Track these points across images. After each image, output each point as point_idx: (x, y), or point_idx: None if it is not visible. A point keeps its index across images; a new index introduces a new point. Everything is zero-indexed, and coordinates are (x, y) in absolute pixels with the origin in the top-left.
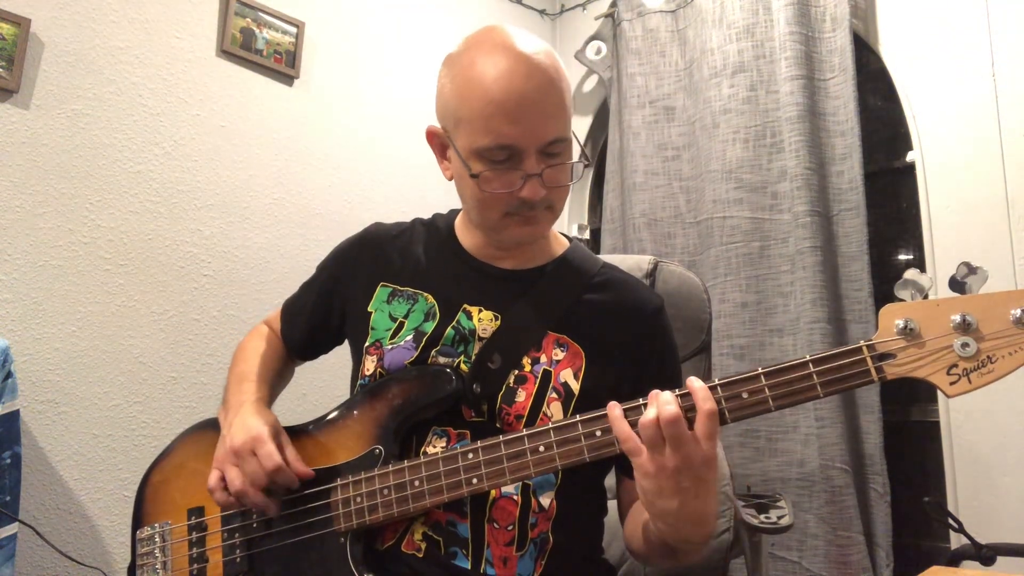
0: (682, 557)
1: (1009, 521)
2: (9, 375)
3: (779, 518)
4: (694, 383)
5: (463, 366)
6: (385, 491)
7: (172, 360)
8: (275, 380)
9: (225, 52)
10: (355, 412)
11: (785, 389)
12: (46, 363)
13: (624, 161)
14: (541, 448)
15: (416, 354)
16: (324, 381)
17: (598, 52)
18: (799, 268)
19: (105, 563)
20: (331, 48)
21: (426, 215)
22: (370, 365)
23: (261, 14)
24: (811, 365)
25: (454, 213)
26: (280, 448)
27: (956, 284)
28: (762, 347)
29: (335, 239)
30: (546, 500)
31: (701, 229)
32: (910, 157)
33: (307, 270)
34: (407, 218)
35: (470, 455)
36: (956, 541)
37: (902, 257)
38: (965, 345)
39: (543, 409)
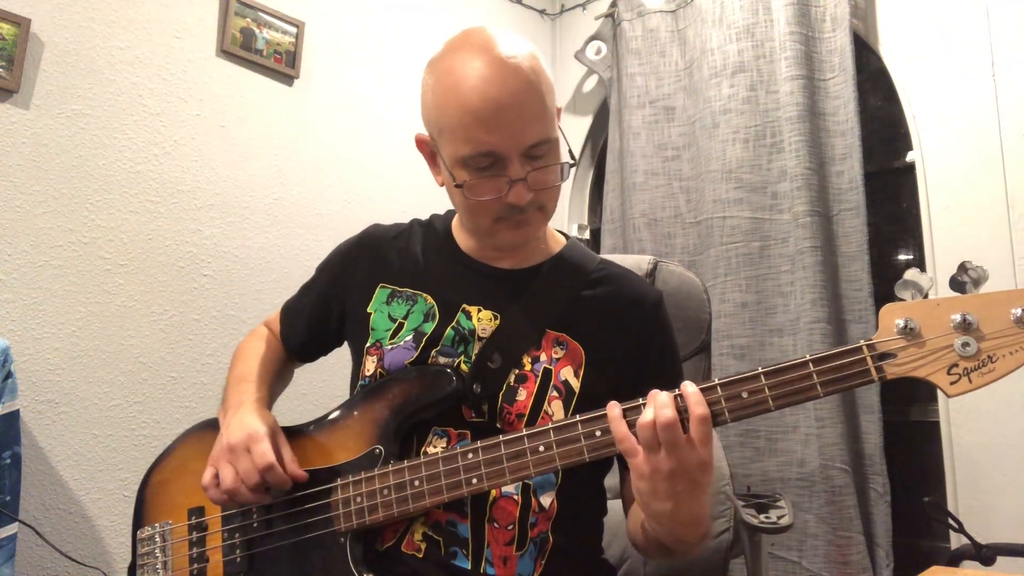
0: (678, 555)
1: (1009, 521)
2: (9, 375)
3: (779, 518)
4: (688, 387)
5: (463, 366)
6: (385, 491)
7: (172, 360)
8: (274, 381)
9: (225, 52)
10: (355, 412)
11: (785, 389)
12: (46, 363)
13: (624, 161)
14: (541, 448)
15: (416, 354)
16: (324, 381)
17: (598, 52)
18: (799, 268)
19: (105, 563)
20: (331, 48)
21: (425, 215)
22: (370, 365)
23: (261, 14)
24: (811, 365)
25: (451, 214)
26: (276, 448)
27: (956, 284)
28: (762, 347)
29: (335, 239)
30: (546, 500)
31: (701, 229)
32: (910, 157)
33: (307, 270)
34: (407, 218)
35: (470, 455)
36: (956, 541)
37: (902, 257)
38: (966, 345)
39: (544, 408)
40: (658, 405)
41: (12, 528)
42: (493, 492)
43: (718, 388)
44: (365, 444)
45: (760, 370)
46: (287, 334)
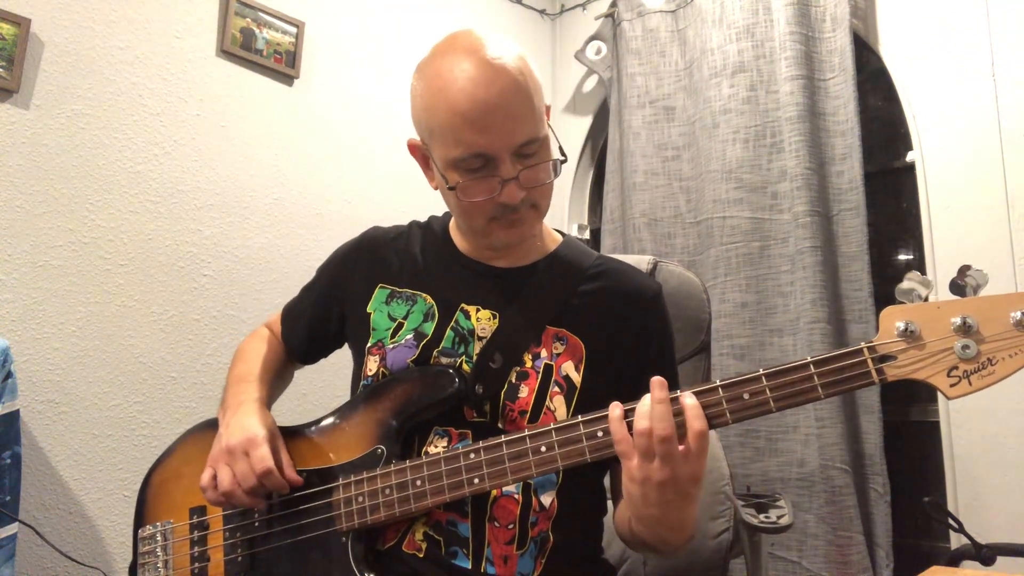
0: (661, 554)
1: (1009, 521)
2: (9, 375)
3: (779, 518)
4: (687, 400)
5: (465, 366)
6: (387, 491)
7: (172, 360)
8: (274, 381)
9: (225, 52)
10: (357, 412)
11: (786, 390)
12: (46, 363)
13: (624, 161)
14: (543, 448)
15: (417, 353)
16: (324, 381)
17: (598, 52)
18: (799, 268)
19: (105, 563)
20: (331, 48)
21: (425, 214)
22: (372, 365)
23: (261, 14)
24: (812, 367)
25: (449, 215)
26: (275, 452)
27: (956, 287)
28: (762, 347)
29: (335, 239)
30: (547, 499)
31: (701, 229)
32: (910, 157)
33: (307, 270)
34: (407, 218)
35: (472, 455)
36: (956, 541)
37: (902, 257)
38: (966, 347)
39: (546, 403)
40: (655, 417)
41: (12, 528)
42: (494, 491)
43: (719, 389)
44: (367, 444)
45: (761, 371)
46: (288, 335)
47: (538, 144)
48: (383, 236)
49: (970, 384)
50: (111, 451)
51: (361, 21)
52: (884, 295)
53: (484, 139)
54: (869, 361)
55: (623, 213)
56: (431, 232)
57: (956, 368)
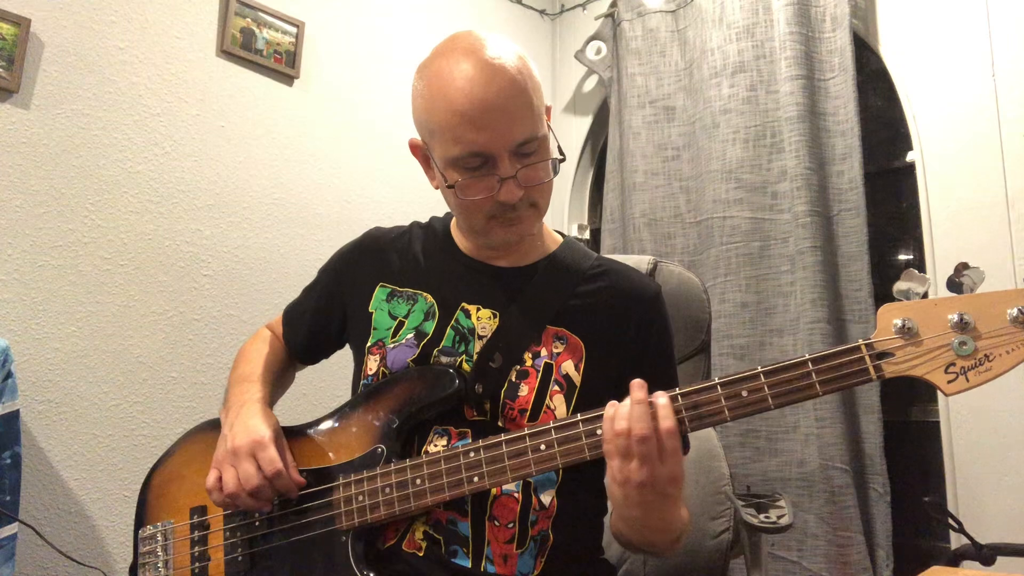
0: (650, 555)
1: (1009, 521)
2: (9, 375)
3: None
4: (659, 400)
5: (465, 365)
6: (387, 489)
7: (172, 360)
8: (276, 382)
9: (225, 52)
10: (358, 412)
11: (784, 388)
12: (46, 363)
13: (624, 161)
14: (542, 446)
15: (417, 352)
16: (324, 381)
17: (598, 52)
18: (799, 268)
19: (105, 563)
20: (331, 48)
21: (425, 216)
22: (373, 364)
23: (261, 14)
24: (810, 364)
25: (450, 215)
26: (280, 453)
27: (954, 284)
28: (762, 347)
29: (335, 239)
30: (547, 498)
31: (701, 229)
32: (910, 157)
33: (307, 270)
34: (407, 218)
35: (471, 454)
36: (956, 541)
37: (902, 257)
38: (963, 344)
39: (546, 402)
40: (634, 418)
41: (12, 528)
42: (494, 490)
43: (718, 387)
44: (367, 443)
45: (759, 369)
46: (289, 336)
47: (537, 143)
48: (384, 236)
49: (967, 380)
50: (111, 451)
51: (361, 21)
52: (884, 295)
53: (482, 138)
54: (867, 358)
55: (623, 213)
56: (432, 232)
57: (953, 365)
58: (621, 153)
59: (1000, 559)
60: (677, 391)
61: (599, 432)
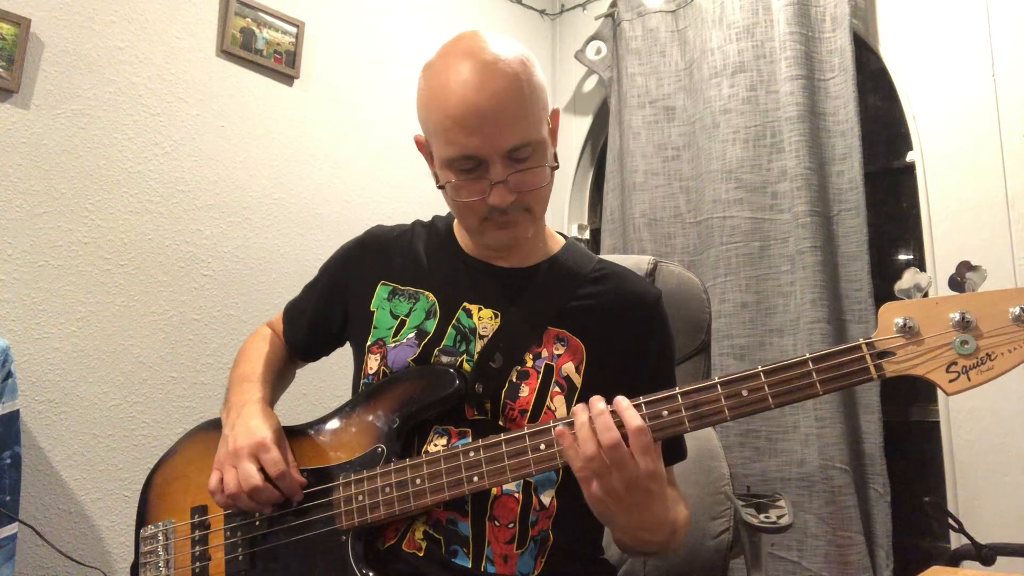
0: (655, 554)
1: (1009, 521)
2: (9, 375)
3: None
4: (621, 402)
5: (466, 365)
6: (387, 489)
7: (172, 360)
8: (277, 381)
9: (225, 52)
10: (358, 411)
11: (785, 387)
12: (46, 363)
13: (624, 161)
14: (542, 446)
15: (418, 352)
16: (324, 381)
17: (598, 52)
18: (799, 268)
19: (105, 563)
20: (331, 48)
21: (426, 215)
22: (373, 364)
23: (261, 14)
24: (811, 363)
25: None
26: (283, 453)
27: (955, 283)
28: (762, 347)
29: (335, 239)
30: (547, 498)
31: (701, 229)
32: (910, 157)
33: (307, 270)
34: (408, 218)
35: (471, 453)
36: (956, 541)
37: (902, 257)
38: (964, 343)
39: (546, 403)
40: (601, 429)
41: (12, 528)
42: (494, 490)
43: (718, 387)
44: (367, 443)
45: (760, 368)
46: (290, 334)
47: (531, 148)
48: (386, 234)
49: (969, 380)
50: (111, 451)
51: (361, 21)
52: (884, 295)
53: (473, 141)
54: (868, 357)
55: (623, 213)
56: (435, 231)
57: (955, 364)
58: (621, 153)
59: (1000, 559)
60: (677, 390)
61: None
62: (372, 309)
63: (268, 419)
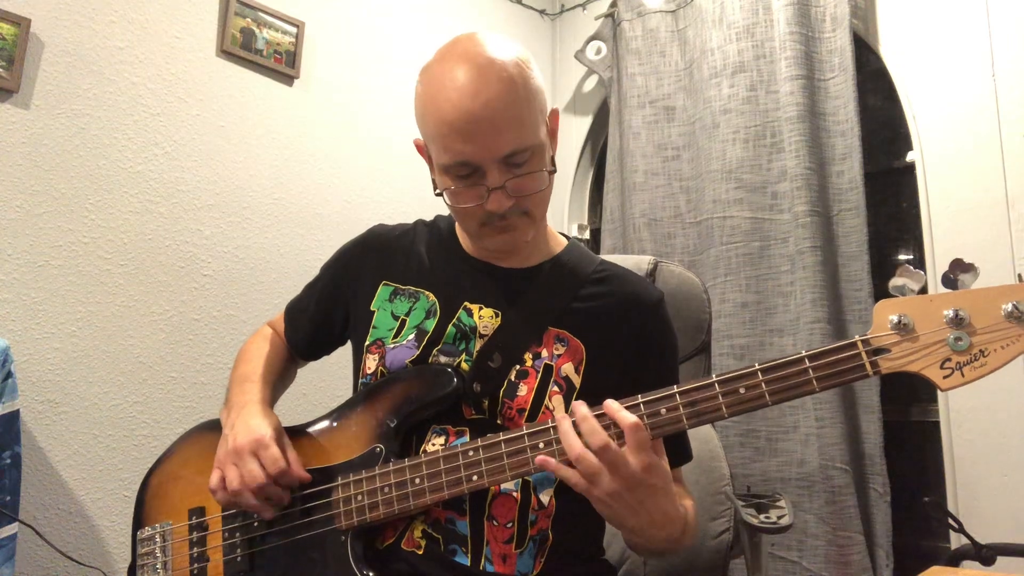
0: (671, 551)
1: (1009, 521)
2: (9, 375)
3: (779, 518)
4: (610, 404)
5: (464, 364)
6: (386, 489)
7: (172, 360)
8: (277, 381)
9: (225, 52)
10: (356, 411)
11: (781, 384)
12: (46, 363)
13: (624, 161)
14: (541, 445)
15: (418, 353)
16: (324, 381)
17: (598, 52)
18: (799, 268)
19: (105, 563)
20: (331, 48)
21: (427, 215)
22: (371, 364)
23: (261, 14)
24: (807, 360)
25: None
26: (283, 451)
27: (949, 281)
28: (762, 347)
29: (335, 239)
30: (545, 497)
31: (701, 229)
32: (910, 157)
33: (307, 270)
34: (407, 218)
35: (470, 452)
36: (956, 541)
37: (902, 257)
38: (958, 339)
39: (545, 403)
40: (586, 433)
41: (12, 528)
42: (492, 489)
43: (715, 385)
44: (366, 443)
45: (757, 366)
46: (291, 333)
47: (528, 153)
48: (388, 233)
49: (963, 376)
50: (111, 451)
51: (361, 21)
52: (884, 295)
53: (469, 148)
54: (863, 354)
55: (623, 213)
56: (437, 231)
57: (949, 360)
58: (621, 153)
59: (1000, 559)
60: (675, 389)
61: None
62: (372, 309)
63: (268, 418)
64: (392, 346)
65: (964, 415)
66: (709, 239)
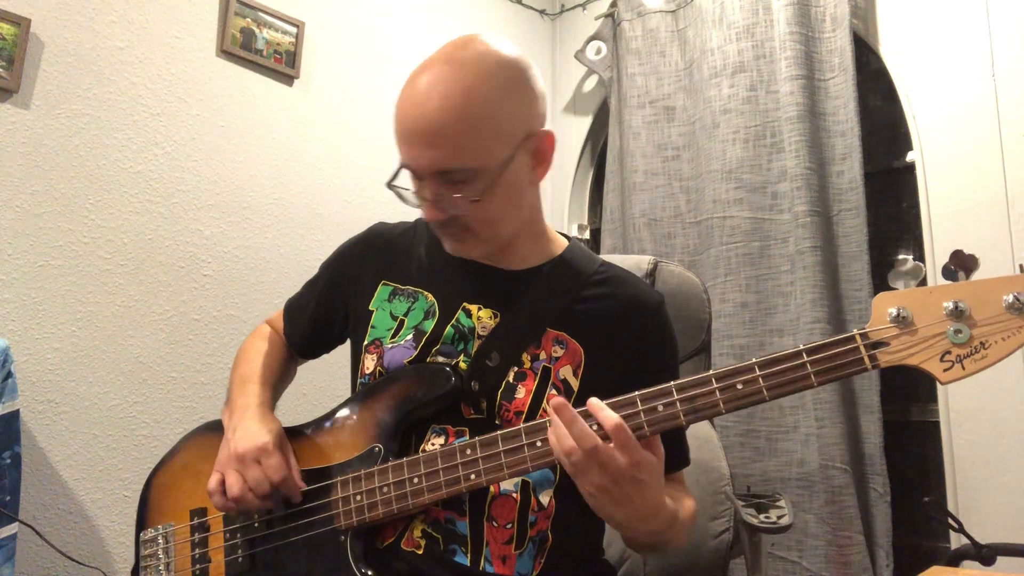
0: (666, 544)
1: (1009, 521)
2: (9, 375)
3: (779, 518)
4: (592, 402)
5: (462, 364)
6: (385, 489)
7: (172, 360)
8: (278, 381)
9: (225, 52)
10: (354, 411)
11: (779, 379)
12: (46, 363)
13: (624, 161)
14: (538, 443)
15: (416, 353)
16: (324, 381)
17: (598, 52)
18: (799, 268)
19: (105, 563)
20: (331, 48)
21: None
22: (370, 363)
23: (261, 14)
24: (805, 355)
25: None
26: (284, 458)
27: (948, 272)
28: (762, 347)
29: (335, 239)
30: (545, 498)
31: (701, 229)
32: (910, 157)
33: (307, 270)
34: (407, 218)
35: (468, 451)
36: (956, 541)
37: (902, 257)
38: (958, 332)
39: (543, 405)
40: (578, 434)
41: (12, 528)
42: (492, 489)
43: (712, 380)
44: (364, 443)
45: (754, 361)
46: (290, 331)
47: (466, 174)
48: (388, 232)
49: (963, 368)
50: (111, 451)
51: (361, 21)
52: None
53: (407, 155)
54: (862, 347)
55: (623, 213)
56: None
57: (949, 353)
58: (621, 153)
59: (1000, 559)
60: (672, 385)
61: (595, 427)
62: (371, 308)
63: (269, 423)
64: (390, 346)
65: (964, 415)
66: (709, 239)
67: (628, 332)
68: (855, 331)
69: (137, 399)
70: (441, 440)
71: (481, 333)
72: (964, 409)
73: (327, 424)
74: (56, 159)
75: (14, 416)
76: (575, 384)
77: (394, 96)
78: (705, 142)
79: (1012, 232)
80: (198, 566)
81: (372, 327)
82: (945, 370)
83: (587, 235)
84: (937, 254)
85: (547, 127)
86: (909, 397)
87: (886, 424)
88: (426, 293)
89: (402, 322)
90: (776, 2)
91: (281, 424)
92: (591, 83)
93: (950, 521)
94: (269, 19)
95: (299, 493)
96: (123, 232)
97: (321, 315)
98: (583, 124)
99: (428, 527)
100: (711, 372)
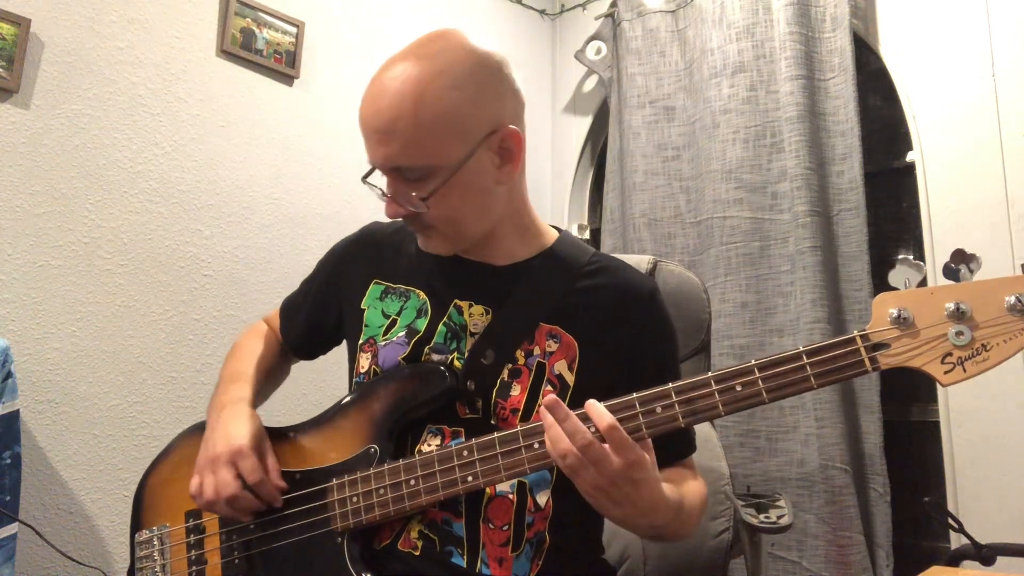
0: (671, 538)
1: (1009, 521)
2: (9, 375)
3: (779, 518)
4: (589, 406)
5: (456, 363)
6: (381, 490)
7: (172, 360)
8: (265, 379)
9: (225, 52)
10: (349, 411)
11: (779, 381)
12: (46, 363)
13: (624, 161)
14: (536, 445)
15: (408, 350)
16: (324, 381)
17: (598, 52)
18: (799, 268)
19: (105, 563)
20: (331, 48)
21: None
22: (364, 362)
23: (261, 14)
24: (804, 357)
25: None
26: (261, 459)
27: (950, 271)
28: (762, 347)
29: (335, 239)
30: (542, 499)
31: (701, 229)
32: (910, 157)
33: (307, 270)
34: None
35: (465, 452)
36: (956, 541)
37: (902, 257)
38: (959, 333)
39: (539, 402)
40: (571, 431)
41: (12, 528)
42: (488, 491)
43: (712, 382)
44: (360, 444)
45: (754, 363)
46: (286, 330)
47: (420, 172)
48: (381, 231)
49: (964, 371)
50: (111, 451)
51: (361, 21)
52: None
53: (367, 150)
54: (862, 349)
55: (623, 213)
56: None
57: (950, 355)
58: (621, 153)
59: (1000, 559)
60: (671, 387)
61: (592, 428)
62: (363, 307)
63: (248, 423)
64: (383, 343)
65: (964, 415)
66: (709, 239)
67: (622, 322)
68: (856, 332)
69: (137, 399)
70: (437, 440)
71: (473, 330)
72: (964, 409)
73: (322, 424)
74: (56, 159)
75: (14, 416)
76: (570, 379)
77: None
78: (705, 142)
79: (1012, 232)
80: (194, 568)
81: (365, 326)
82: (946, 372)
83: (587, 235)
84: (937, 254)
85: (547, 127)
86: (909, 397)
87: (886, 424)
88: (417, 291)
89: (394, 321)
90: (776, 2)
91: (262, 423)
92: (591, 83)
93: (950, 521)
94: (269, 19)
95: (278, 496)
96: (123, 232)
97: (316, 314)
98: (583, 124)
99: (425, 528)
100: (710, 374)
